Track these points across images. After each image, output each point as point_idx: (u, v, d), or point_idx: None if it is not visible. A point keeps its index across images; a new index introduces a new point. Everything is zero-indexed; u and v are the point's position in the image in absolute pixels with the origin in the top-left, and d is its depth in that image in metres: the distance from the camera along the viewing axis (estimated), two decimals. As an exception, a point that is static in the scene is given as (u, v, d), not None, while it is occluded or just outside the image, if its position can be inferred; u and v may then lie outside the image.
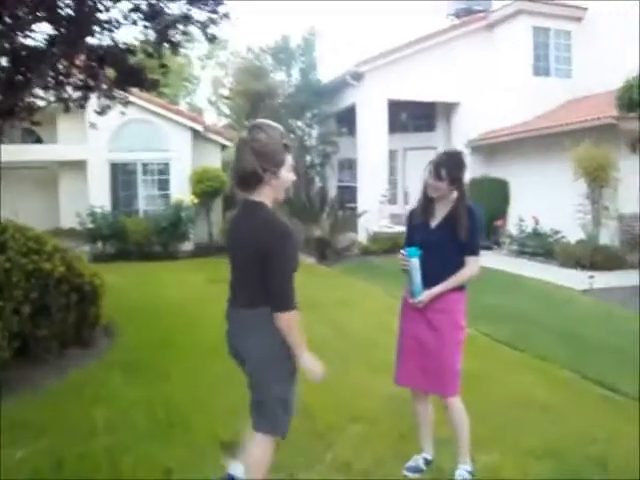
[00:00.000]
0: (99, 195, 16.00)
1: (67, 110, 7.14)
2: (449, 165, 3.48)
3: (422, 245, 3.53)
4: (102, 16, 6.22)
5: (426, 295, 3.47)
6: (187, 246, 16.17)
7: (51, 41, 6.55)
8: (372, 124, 16.13)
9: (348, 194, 18.15)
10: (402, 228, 15.72)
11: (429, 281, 3.49)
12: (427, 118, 18.41)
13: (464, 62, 16.18)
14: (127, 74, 6.77)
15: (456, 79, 16.10)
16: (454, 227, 3.47)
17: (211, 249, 15.54)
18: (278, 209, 2.97)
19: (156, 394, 5.05)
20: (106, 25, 6.32)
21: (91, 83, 6.82)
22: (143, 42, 6.71)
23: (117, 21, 6.33)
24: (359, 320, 8.08)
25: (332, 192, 20.00)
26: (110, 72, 7.04)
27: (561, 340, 6.88)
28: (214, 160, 17.25)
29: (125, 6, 6.32)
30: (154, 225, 15.36)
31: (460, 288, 3.56)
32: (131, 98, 16.33)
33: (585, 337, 7.06)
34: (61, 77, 6.67)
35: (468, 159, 16.49)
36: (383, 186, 16.21)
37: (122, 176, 16.45)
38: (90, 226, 15.09)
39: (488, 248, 15.13)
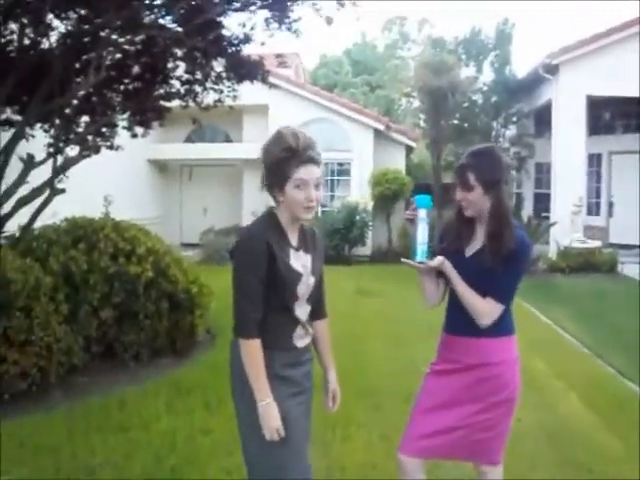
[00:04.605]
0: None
1: (185, 107, 6.78)
2: (479, 166, 2.40)
3: None
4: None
5: (438, 261, 2.48)
6: (363, 251, 15.55)
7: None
8: (567, 123, 14.08)
9: (544, 202, 16.31)
10: (598, 243, 13.66)
11: (457, 328, 2.55)
12: (637, 117, 15.83)
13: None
14: (237, 65, 6.23)
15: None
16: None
17: (390, 255, 14.74)
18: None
19: (187, 424, 4.43)
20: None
21: (198, 76, 6.40)
22: (252, 29, 6.08)
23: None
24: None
25: (528, 200, 18.33)
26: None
27: None
28: (397, 161, 16.48)
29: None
30: (327, 228, 14.78)
31: (506, 332, 2.54)
32: (314, 97, 16.33)
33: None
34: (167, 71, 6.32)
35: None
36: (578, 194, 14.20)
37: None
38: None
39: None
